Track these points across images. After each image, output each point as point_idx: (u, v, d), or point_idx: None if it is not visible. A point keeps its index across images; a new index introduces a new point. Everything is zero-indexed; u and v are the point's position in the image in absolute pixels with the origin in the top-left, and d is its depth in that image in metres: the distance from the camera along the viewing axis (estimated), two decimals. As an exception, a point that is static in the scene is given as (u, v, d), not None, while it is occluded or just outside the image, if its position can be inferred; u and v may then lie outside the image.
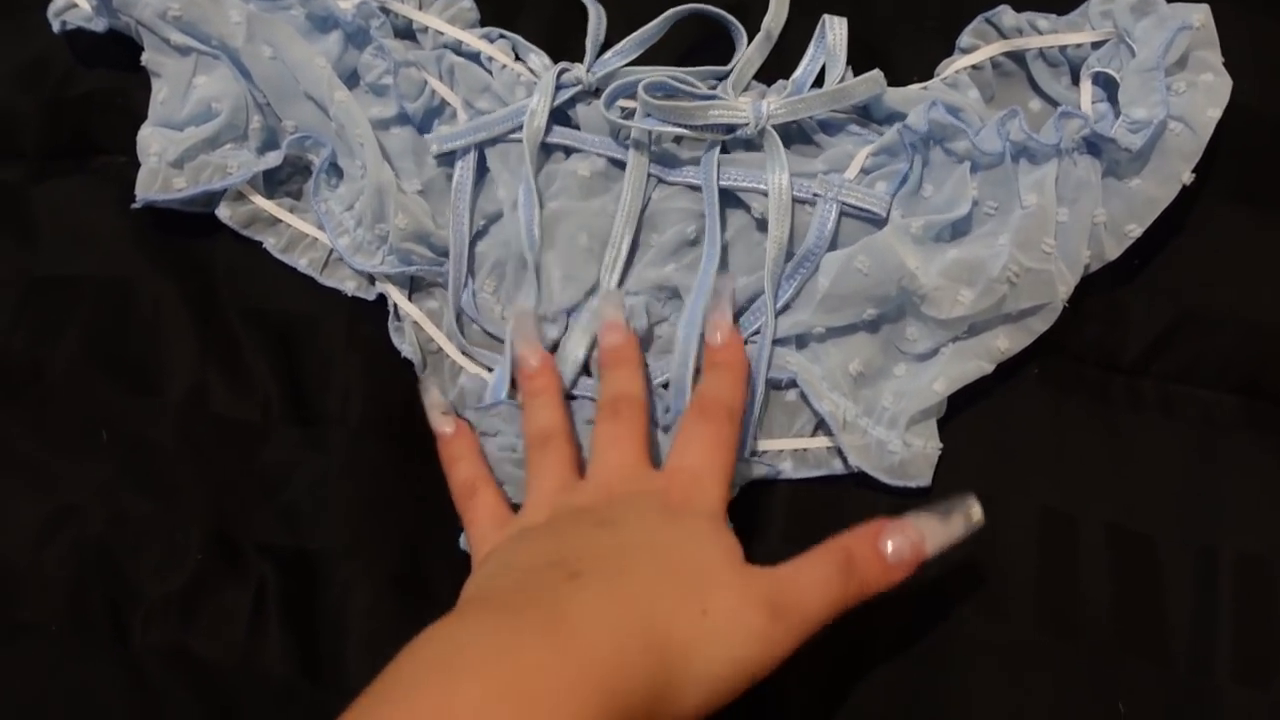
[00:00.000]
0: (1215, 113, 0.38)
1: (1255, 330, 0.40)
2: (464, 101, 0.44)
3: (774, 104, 0.40)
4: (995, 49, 0.42)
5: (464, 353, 0.43)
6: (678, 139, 0.42)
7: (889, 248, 0.38)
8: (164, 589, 0.41)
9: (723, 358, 0.38)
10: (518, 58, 0.44)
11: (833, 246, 0.40)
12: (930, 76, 0.43)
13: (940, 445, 0.39)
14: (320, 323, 0.44)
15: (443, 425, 0.40)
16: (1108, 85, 0.40)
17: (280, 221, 0.44)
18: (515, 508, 0.39)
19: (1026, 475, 0.39)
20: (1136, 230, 0.38)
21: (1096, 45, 0.41)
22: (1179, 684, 0.37)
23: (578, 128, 0.43)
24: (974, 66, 0.42)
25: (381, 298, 0.44)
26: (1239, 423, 0.39)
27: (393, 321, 0.43)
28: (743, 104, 0.40)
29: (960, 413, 0.40)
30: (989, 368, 0.39)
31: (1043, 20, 0.41)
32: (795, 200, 0.40)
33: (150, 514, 0.42)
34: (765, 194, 0.40)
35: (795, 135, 0.42)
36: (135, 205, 0.44)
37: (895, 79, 0.43)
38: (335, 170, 0.44)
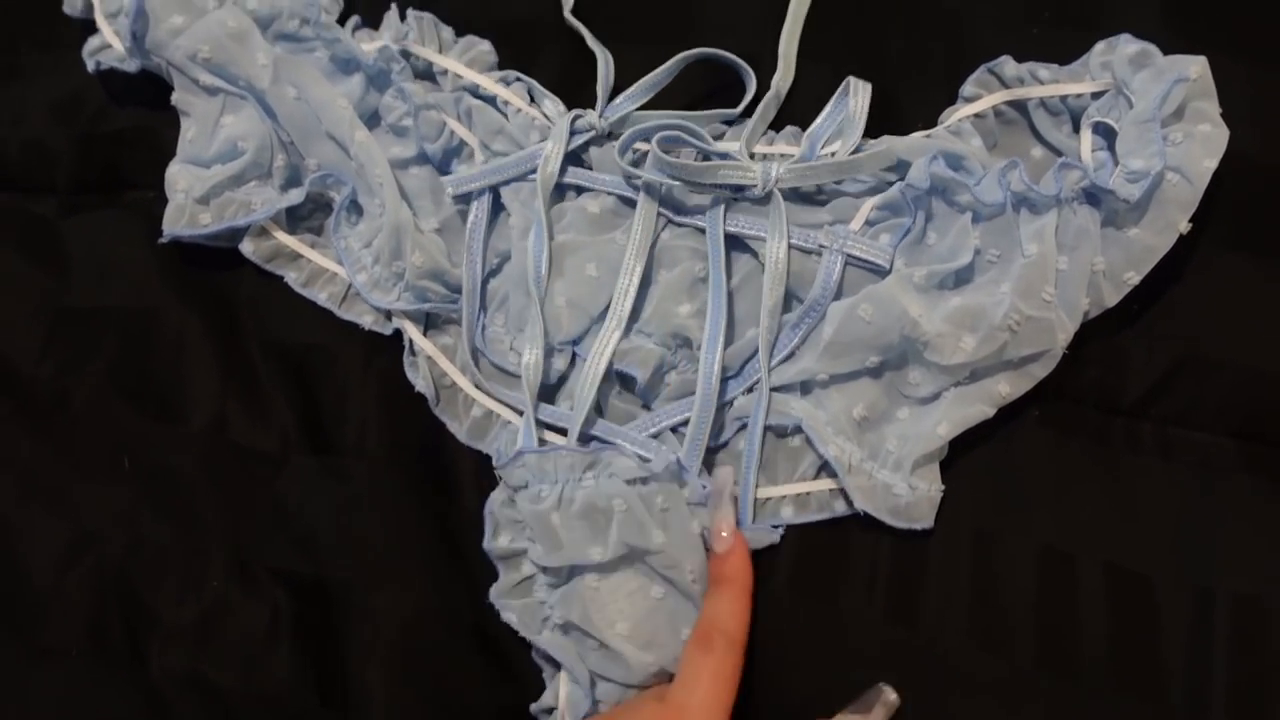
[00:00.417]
0: (1211, 163, 0.38)
1: (1252, 375, 0.40)
2: (481, 143, 0.45)
3: (781, 169, 0.41)
4: (998, 98, 0.43)
5: (477, 386, 0.44)
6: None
7: (892, 297, 0.39)
8: (181, 615, 0.42)
9: (726, 571, 0.38)
10: (533, 101, 0.46)
11: (838, 296, 0.41)
12: (934, 123, 0.44)
13: (943, 487, 0.40)
14: (338, 355, 0.45)
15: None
16: (1108, 134, 0.41)
17: (301, 257, 0.46)
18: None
19: (1027, 515, 0.40)
20: (1135, 278, 0.39)
21: (1096, 95, 0.42)
22: (1175, 723, 0.37)
23: (589, 168, 0.44)
24: (977, 115, 0.43)
25: (397, 332, 0.45)
26: (1236, 466, 0.40)
27: (408, 356, 0.44)
28: (751, 167, 0.41)
29: (963, 454, 0.40)
30: (990, 412, 0.40)
31: (1044, 70, 0.42)
32: (801, 251, 0.41)
33: (169, 541, 0.43)
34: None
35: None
36: (162, 240, 0.45)
37: (900, 125, 0.44)
38: (355, 208, 0.45)
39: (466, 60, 0.46)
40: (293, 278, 0.45)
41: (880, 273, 0.41)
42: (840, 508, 0.41)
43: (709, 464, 0.41)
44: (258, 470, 0.44)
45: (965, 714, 0.39)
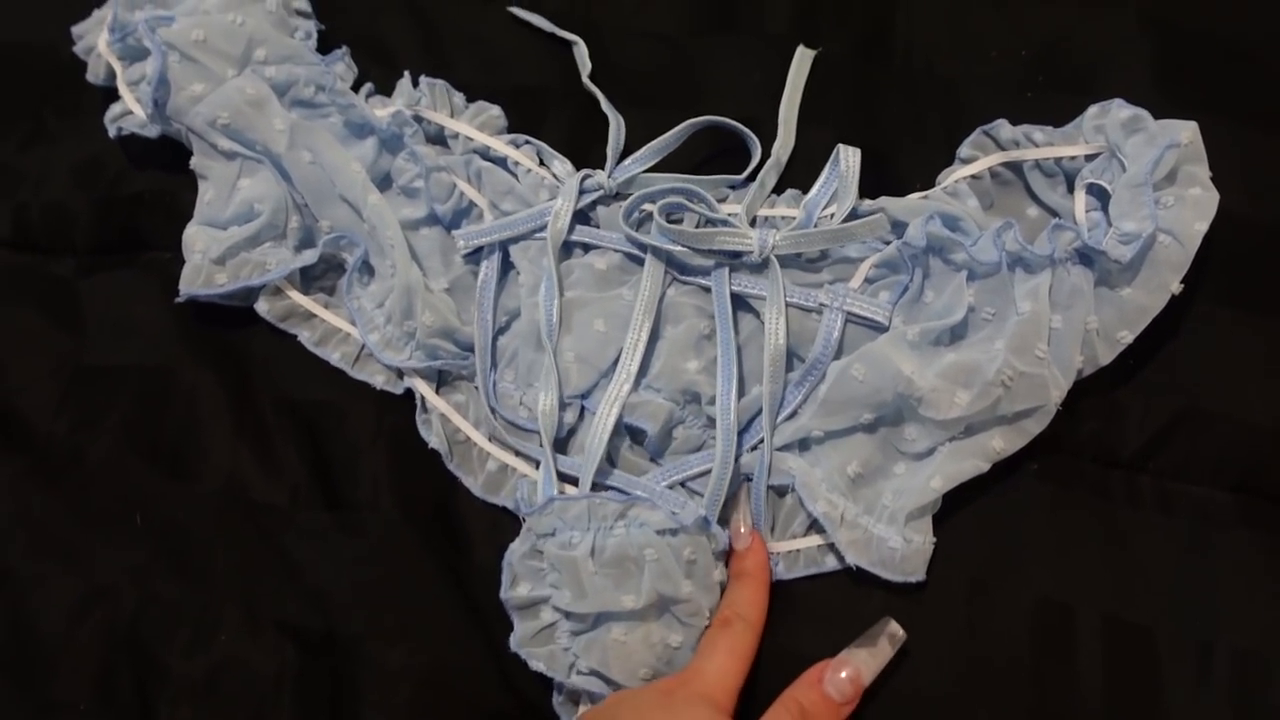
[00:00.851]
0: (1202, 226, 0.39)
1: (1250, 429, 0.41)
2: (490, 203, 0.46)
3: (778, 236, 0.42)
4: (993, 160, 0.44)
5: (492, 438, 0.44)
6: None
7: (885, 356, 0.40)
8: (191, 669, 0.43)
9: (747, 566, 0.41)
10: (541, 162, 0.47)
11: (839, 354, 0.42)
12: (932, 184, 0.45)
13: (934, 540, 0.40)
14: (349, 412, 0.46)
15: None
16: (1101, 195, 0.41)
17: (315, 316, 0.47)
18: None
19: (1025, 567, 0.40)
20: (1128, 337, 0.40)
21: (1090, 157, 0.42)
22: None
23: (596, 226, 0.45)
24: (974, 176, 0.44)
25: (408, 391, 0.45)
26: (1234, 520, 0.40)
27: (420, 414, 0.45)
28: (749, 234, 0.42)
29: (961, 506, 0.41)
30: (985, 467, 0.40)
31: (1039, 133, 0.43)
32: (802, 309, 0.42)
33: (180, 596, 0.44)
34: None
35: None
36: (179, 299, 0.46)
37: (898, 186, 0.45)
38: (367, 268, 0.46)
39: (478, 124, 0.48)
40: (306, 336, 0.46)
41: (880, 330, 0.42)
42: (830, 563, 0.41)
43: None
44: (269, 525, 0.44)
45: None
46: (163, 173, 0.49)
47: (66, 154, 0.51)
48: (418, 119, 0.47)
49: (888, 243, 0.42)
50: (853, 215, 0.43)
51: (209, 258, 0.46)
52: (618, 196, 0.46)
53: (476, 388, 0.45)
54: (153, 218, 0.49)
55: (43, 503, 0.46)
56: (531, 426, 0.44)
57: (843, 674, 0.38)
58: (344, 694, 0.42)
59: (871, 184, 0.44)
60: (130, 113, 0.48)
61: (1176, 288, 0.39)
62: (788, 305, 0.42)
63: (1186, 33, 0.47)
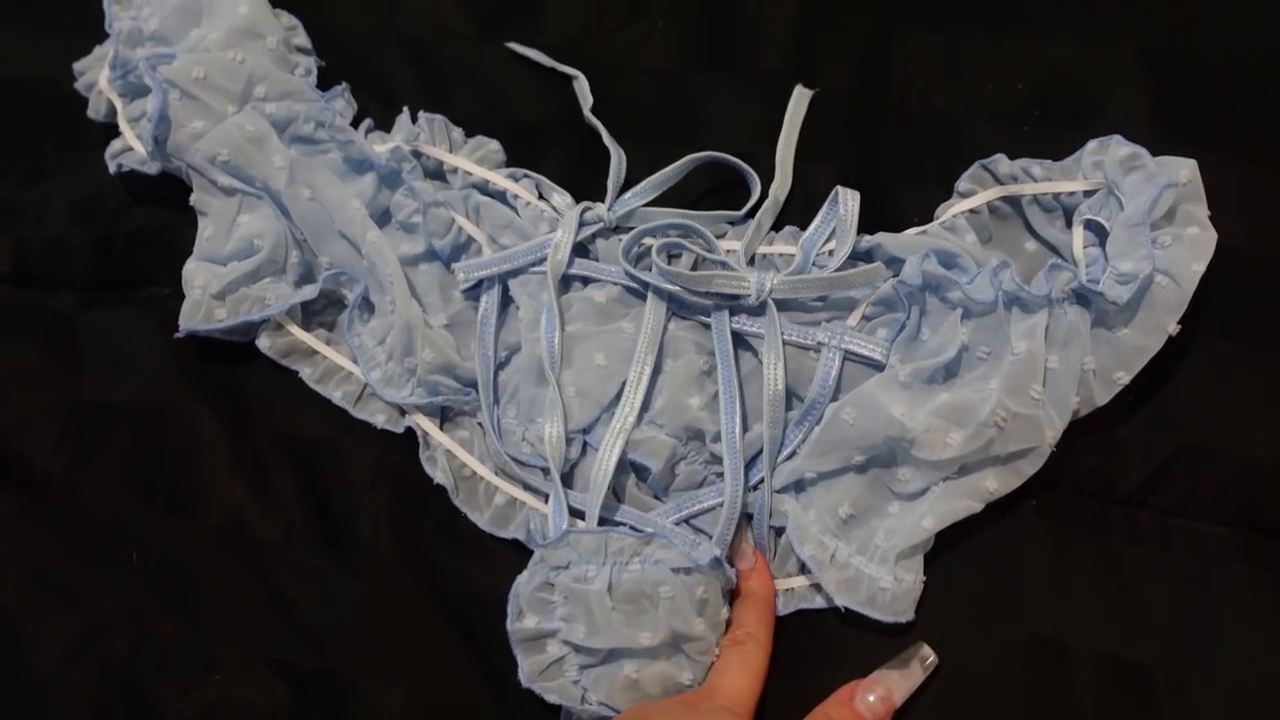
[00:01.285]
0: (1200, 266, 0.39)
1: (1250, 465, 0.41)
2: (489, 237, 0.46)
3: (776, 280, 0.42)
4: (991, 194, 0.44)
5: (499, 472, 0.44)
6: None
7: (874, 399, 0.40)
8: (184, 708, 0.42)
9: (751, 586, 0.42)
10: (541, 196, 0.47)
11: (837, 392, 0.42)
12: (930, 219, 0.45)
13: (925, 579, 0.40)
14: (348, 449, 0.46)
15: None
16: (1099, 230, 0.41)
17: (317, 353, 0.46)
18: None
19: (1021, 603, 0.40)
20: (1125, 377, 0.40)
21: (1089, 192, 0.42)
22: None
23: (595, 259, 0.45)
24: (972, 210, 0.44)
25: (409, 430, 0.45)
26: (1234, 555, 0.40)
27: (423, 451, 0.45)
28: (746, 277, 0.42)
29: (959, 542, 0.41)
30: (978, 507, 0.40)
31: (1037, 168, 0.43)
32: (800, 348, 0.42)
33: (176, 634, 0.43)
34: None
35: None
36: (178, 335, 0.46)
37: (896, 220, 0.45)
38: (367, 305, 0.46)
39: (476, 159, 0.48)
40: (308, 374, 0.46)
41: (878, 368, 0.42)
42: (820, 601, 0.41)
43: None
44: (266, 563, 0.44)
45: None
46: (162, 209, 0.49)
47: (67, 190, 0.51)
48: (416, 154, 0.47)
49: (887, 279, 0.42)
50: (851, 253, 0.43)
51: (209, 293, 0.46)
52: (617, 230, 0.46)
53: (479, 424, 0.45)
54: (152, 254, 0.49)
55: (39, 540, 0.46)
56: (535, 462, 0.44)
57: (874, 695, 0.38)
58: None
59: (869, 218, 0.44)
60: (130, 149, 0.48)
61: (1174, 329, 0.39)
62: (786, 343, 0.42)
63: (1184, 67, 0.47)
